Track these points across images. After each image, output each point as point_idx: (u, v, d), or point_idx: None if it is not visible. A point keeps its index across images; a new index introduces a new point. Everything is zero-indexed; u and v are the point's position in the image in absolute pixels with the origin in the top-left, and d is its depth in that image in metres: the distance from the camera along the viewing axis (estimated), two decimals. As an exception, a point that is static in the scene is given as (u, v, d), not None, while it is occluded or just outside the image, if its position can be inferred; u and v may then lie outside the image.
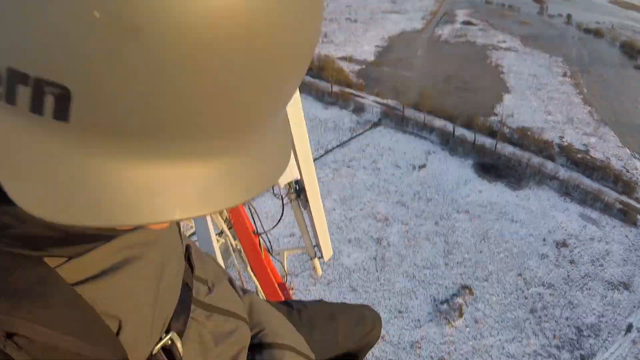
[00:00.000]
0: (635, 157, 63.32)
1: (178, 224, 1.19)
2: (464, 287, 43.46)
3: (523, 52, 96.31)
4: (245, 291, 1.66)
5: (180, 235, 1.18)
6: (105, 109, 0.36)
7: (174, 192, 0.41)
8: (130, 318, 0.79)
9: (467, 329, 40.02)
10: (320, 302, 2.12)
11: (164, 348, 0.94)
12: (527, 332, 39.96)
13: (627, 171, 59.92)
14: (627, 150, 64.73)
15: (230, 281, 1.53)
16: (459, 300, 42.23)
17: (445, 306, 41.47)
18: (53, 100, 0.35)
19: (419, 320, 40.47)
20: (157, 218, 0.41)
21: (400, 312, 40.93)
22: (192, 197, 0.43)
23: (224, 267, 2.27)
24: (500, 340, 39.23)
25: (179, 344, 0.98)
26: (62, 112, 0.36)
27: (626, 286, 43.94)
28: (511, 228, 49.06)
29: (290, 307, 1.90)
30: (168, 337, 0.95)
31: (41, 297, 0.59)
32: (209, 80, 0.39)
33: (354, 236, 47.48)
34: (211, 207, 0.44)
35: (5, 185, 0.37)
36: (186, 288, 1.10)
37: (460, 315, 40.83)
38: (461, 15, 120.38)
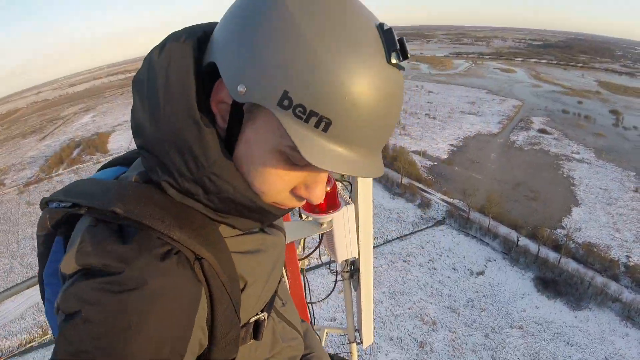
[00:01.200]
0: None
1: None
2: (502, 413, 39.15)
3: (595, 164, 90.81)
4: (302, 320, 1.76)
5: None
6: (346, 132, 0.74)
7: (348, 162, 0.76)
8: (251, 283, 1.06)
9: None
10: None
11: (255, 321, 1.17)
12: None
13: (696, 300, 53.16)
14: (698, 276, 57.95)
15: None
16: None
17: None
18: (324, 125, 0.71)
19: None
20: (341, 169, 0.76)
21: None
22: (355, 168, 0.78)
23: None
24: None
25: (265, 323, 1.20)
26: (325, 129, 0.73)
27: None
28: (565, 351, 43.44)
29: (331, 357, 2.01)
30: (262, 314, 1.17)
31: (218, 249, 0.89)
32: (387, 123, 0.79)
33: (396, 335, 43.79)
34: (361, 174, 0.80)
35: (300, 148, 0.72)
36: (274, 292, 1.32)
37: None
38: (537, 122, 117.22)
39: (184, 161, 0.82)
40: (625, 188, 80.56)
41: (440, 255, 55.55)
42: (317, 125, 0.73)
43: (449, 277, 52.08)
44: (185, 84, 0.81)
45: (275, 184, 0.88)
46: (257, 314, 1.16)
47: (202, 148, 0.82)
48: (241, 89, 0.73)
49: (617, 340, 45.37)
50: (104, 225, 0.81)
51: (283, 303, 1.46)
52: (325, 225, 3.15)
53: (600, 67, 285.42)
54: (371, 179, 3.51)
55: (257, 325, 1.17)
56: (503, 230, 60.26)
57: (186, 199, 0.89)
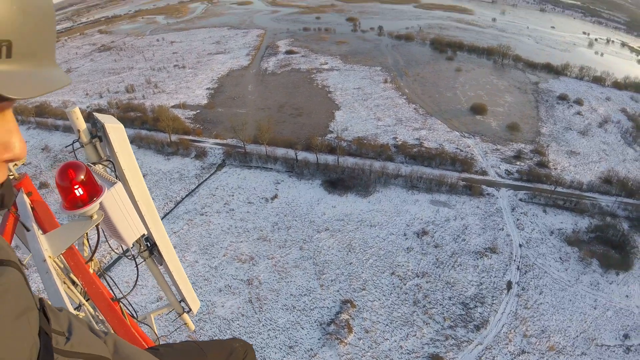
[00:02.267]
0: (464, 137, 69.22)
1: (25, 279, 1.22)
2: (345, 302, 43.07)
3: (344, 69, 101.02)
4: (106, 333, 1.65)
5: (30, 290, 1.23)
6: (31, 45, 0.68)
7: (45, 79, 0.70)
8: None
9: (361, 341, 39.84)
10: (188, 342, 2.26)
11: None
12: (418, 324, 40.87)
13: (461, 151, 65.26)
14: (456, 132, 70.67)
15: (90, 327, 1.58)
16: (344, 316, 41.65)
17: (332, 327, 40.86)
18: (5, 50, 0.65)
19: (311, 349, 39.63)
20: (42, 89, 0.69)
21: (290, 347, 39.60)
22: (53, 82, 0.73)
23: None
24: (395, 340, 39.66)
25: None
26: (8, 54, 0.66)
27: (493, 250, 47.49)
28: (372, 233, 50.10)
29: (156, 350, 2.01)
30: None
31: None
32: (52, 22, 0.76)
33: (223, 284, 45.46)
34: (61, 84, 0.75)
35: None
36: (46, 337, 1.20)
37: (350, 330, 40.52)
38: (283, 45, 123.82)
39: None
40: (375, 82, 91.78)
41: (233, 196, 57.33)
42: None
43: (247, 212, 54.30)
44: None
45: None
46: None
47: None
48: None
49: (410, 207, 53.60)
50: None
51: (67, 337, 1.34)
52: (96, 216, 3.12)
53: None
54: (129, 149, 3.73)
55: None
56: (281, 152, 64.57)
57: None
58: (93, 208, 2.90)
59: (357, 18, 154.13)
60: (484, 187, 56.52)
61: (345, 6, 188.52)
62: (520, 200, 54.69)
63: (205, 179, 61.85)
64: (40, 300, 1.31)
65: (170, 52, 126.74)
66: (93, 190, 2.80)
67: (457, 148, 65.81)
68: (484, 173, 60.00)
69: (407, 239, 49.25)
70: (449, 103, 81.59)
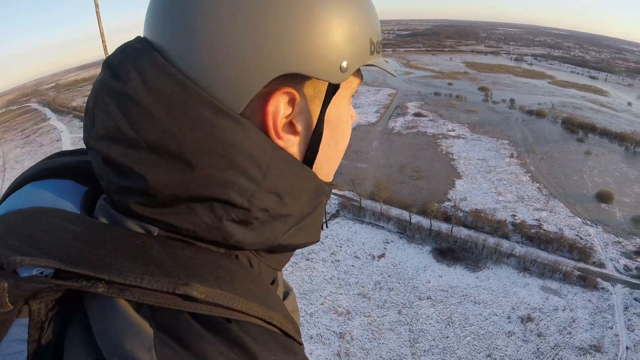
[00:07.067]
0: (586, 224, 64.27)
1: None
2: (434, 376, 41.50)
3: (471, 138, 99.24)
4: None
5: None
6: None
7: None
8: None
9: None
10: None
11: None
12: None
13: (581, 238, 60.58)
14: (578, 219, 65.82)
15: None
16: (430, 390, 40.23)
17: (416, 399, 39.38)
18: (381, 46, 0.79)
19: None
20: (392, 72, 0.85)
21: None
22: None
23: None
24: None
25: None
26: (380, 49, 0.78)
27: (597, 348, 42.88)
28: (475, 310, 47.50)
29: None
30: None
31: (273, 305, 0.68)
32: None
33: (315, 332, 45.01)
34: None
35: None
36: None
37: (433, 407, 38.42)
38: (412, 107, 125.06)
39: (242, 173, 0.61)
40: (501, 155, 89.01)
41: (341, 247, 57.62)
42: (379, 50, 0.78)
43: (352, 265, 54.19)
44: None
45: (349, 131, 0.88)
46: None
47: (253, 144, 0.63)
48: (344, 64, 0.69)
49: (519, 290, 50.30)
50: (174, 320, 0.53)
51: None
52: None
53: (466, 50, 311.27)
54: None
55: None
56: (395, 212, 64.03)
57: (248, 254, 0.73)
58: None
59: (490, 88, 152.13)
60: (599, 280, 51.45)
61: (478, 75, 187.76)
62: (635, 299, 48.75)
63: (317, 226, 62.42)
64: None
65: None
66: None
67: (577, 235, 61.08)
68: (602, 265, 54.78)
69: (510, 322, 46.07)
70: (575, 187, 76.64)
